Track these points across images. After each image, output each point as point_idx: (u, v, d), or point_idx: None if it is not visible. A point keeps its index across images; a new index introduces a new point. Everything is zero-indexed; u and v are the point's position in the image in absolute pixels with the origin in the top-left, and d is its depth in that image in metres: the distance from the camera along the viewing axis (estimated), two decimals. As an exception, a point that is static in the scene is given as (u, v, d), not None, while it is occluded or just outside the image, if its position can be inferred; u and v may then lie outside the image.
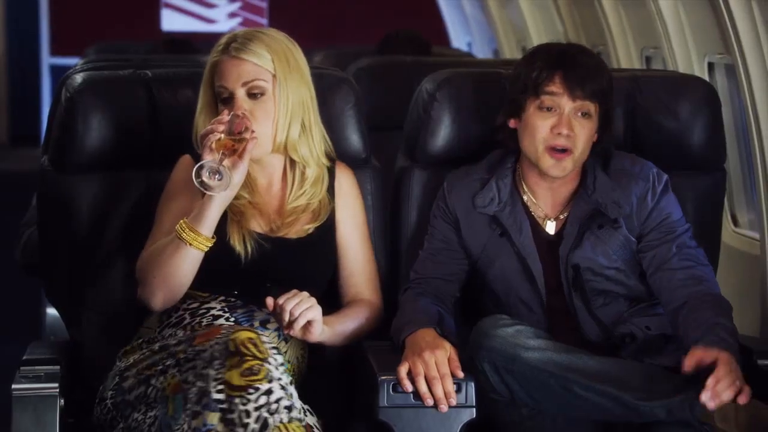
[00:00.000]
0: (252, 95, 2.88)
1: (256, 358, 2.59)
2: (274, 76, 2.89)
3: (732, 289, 3.67)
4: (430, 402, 2.71)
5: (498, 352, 2.74)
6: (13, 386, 2.76)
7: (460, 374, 2.74)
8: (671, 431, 2.71)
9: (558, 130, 2.89)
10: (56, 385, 2.78)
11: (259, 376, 2.57)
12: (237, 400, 2.55)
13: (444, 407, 2.71)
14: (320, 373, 2.99)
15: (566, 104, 2.89)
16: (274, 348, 2.66)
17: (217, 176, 2.73)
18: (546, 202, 3.00)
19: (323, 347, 2.92)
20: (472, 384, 2.76)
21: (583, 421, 2.83)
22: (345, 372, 3.06)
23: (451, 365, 2.75)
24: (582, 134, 2.90)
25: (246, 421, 2.54)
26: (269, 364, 2.60)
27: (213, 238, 2.80)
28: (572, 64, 2.90)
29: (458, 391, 2.76)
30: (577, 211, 2.96)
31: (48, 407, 2.75)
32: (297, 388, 2.88)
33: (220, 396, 2.56)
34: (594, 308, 2.94)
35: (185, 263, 2.79)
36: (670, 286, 2.89)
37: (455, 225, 3.04)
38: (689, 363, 2.64)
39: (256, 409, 2.55)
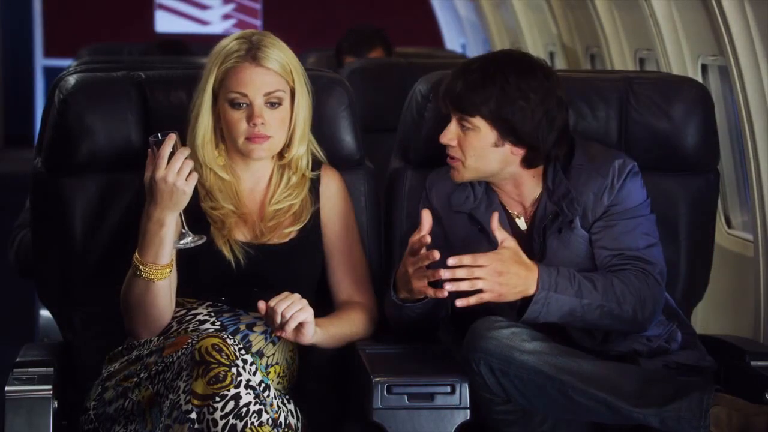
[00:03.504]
0: (270, 104, 2.89)
1: (221, 364, 2.58)
2: (292, 89, 2.91)
3: (725, 291, 3.69)
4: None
5: (493, 354, 2.74)
6: (6, 388, 2.76)
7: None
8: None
9: (441, 139, 2.94)
10: (49, 387, 2.78)
11: (225, 383, 2.57)
12: (204, 410, 2.55)
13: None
14: (313, 374, 2.99)
15: (453, 116, 2.93)
16: (241, 349, 2.66)
17: (197, 239, 2.82)
18: (511, 201, 3.01)
19: (315, 349, 2.91)
20: (467, 385, 2.76)
21: (577, 422, 2.83)
22: (338, 373, 3.06)
23: None
24: (466, 145, 2.91)
25: (214, 430, 2.54)
26: (236, 367, 2.59)
27: (172, 261, 2.79)
28: (455, 80, 2.91)
29: (452, 392, 2.76)
30: (540, 214, 2.96)
31: (41, 409, 2.75)
32: (289, 390, 2.89)
33: (189, 407, 2.56)
34: None
35: (157, 297, 2.80)
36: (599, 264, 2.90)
37: (439, 221, 3.04)
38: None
39: (223, 417, 2.55)
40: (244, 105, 2.88)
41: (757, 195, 3.57)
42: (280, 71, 2.90)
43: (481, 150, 2.91)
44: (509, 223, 2.98)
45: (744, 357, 2.94)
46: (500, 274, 2.73)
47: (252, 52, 2.88)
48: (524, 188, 2.98)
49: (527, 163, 2.94)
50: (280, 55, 2.90)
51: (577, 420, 2.81)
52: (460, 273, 2.72)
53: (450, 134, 2.93)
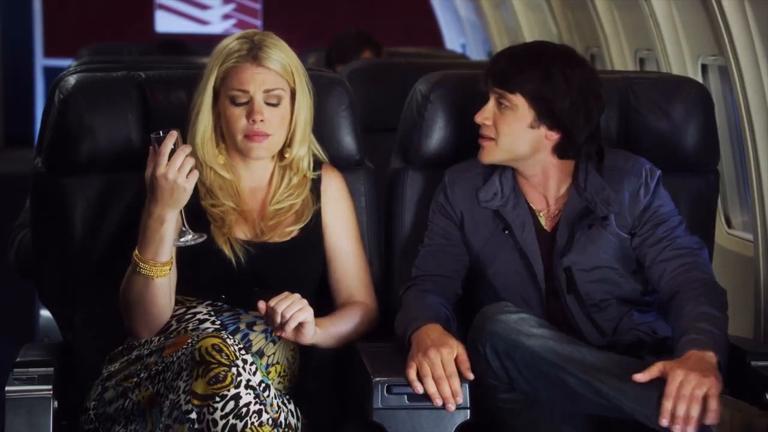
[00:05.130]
0: (269, 103, 2.89)
1: (221, 364, 2.58)
2: (292, 89, 2.92)
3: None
4: (438, 402, 2.71)
5: (500, 337, 2.75)
6: (7, 388, 2.76)
7: (470, 376, 2.74)
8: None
9: (476, 118, 2.97)
10: (49, 387, 2.78)
11: (225, 383, 2.57)
12: (204, 410, 2.55)
13: (451, 407, 2.71)
14: (313, 374, 2.99)
15: (491, 95, 2.96)
16: (241, 349, 2.65)
17: (197, 237, 2.82)
18: (536, 198, 3.02)
19: (316, 349, 2.91)
20: (467, 386, 2.75)
21: (580, 415, 2.82)
22: (338, 373, 3.06)
23: (460, 364, 2.75)
24: (502, 123, 2.94)
25: (214, 430, 2.54)
26: (236, 367, 2.59)
27: (172, 258, 2.79)
28: (499, 58, 2.97)
29: (453, 392, 2.76)
30: (569, 209, 2.98)
31: (41, 409, 2.75)
32: (290, 389, 2.89)
33: (189, 407, 2.57)
34: (592, 313, 2.94)
35: (156, 295, 2.80)
36: (664, 278, 2.92)
37: (457, 220, 3.05)
38: (645, 377, 2.64)
39: (223, 417, 2.55)
40: (245, 102, 2.88)
41: (757, 195, 3.57)
42: (281, 71, 2.90)
43: (516, 129, 2.94)
44: (533, 221, 2.99)
45: (744, 357, 2.93)
46: (693, 385, 2.60)
47: (253, 52, 2.89)
48: (551, 181, 3.00)
49: (559, 151, 2.96)
50: (281, 56, 2.90)
51: (579, 411, 2.80)
52: (680, 409, 2.57)
53: (486, 112, 2.96)
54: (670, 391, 2.59)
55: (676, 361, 2.64)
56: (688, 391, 2.58)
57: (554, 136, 2.95)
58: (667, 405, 2.58)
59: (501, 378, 2.77)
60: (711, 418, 2.58)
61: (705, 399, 2.58)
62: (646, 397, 2.67)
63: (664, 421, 2.58)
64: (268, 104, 2.89)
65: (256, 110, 2.87)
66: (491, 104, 2.96)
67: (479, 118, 2.96)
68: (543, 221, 3.01)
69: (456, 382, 2.72)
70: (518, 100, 2.92)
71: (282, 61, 2.91)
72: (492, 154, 2.97)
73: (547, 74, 2.90)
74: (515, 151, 2.96)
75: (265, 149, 2.91)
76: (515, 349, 2.74)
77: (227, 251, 2.88)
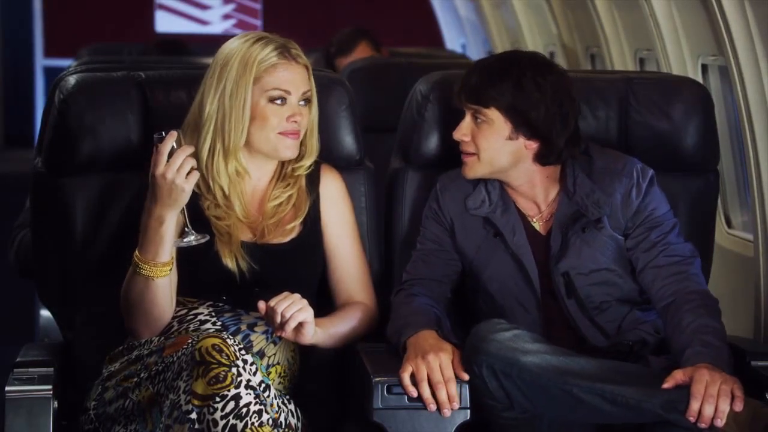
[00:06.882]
0: (302, 102, 2.92)
1: (221, 364, 2.58)
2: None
3: (725, 291, 3.68)
4: (433, 408, 2.71)
5: (496, 357, 2.73)
6: (7, 388, 2.76)
7: (465, 376, 2.74)
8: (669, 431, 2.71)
9: (455, 135, 2.98)
10: (49, 387, 2.78)
11: (225, 383, 2.57)
12: (204, 410, 2.55)
13: (447, 412, 2.71)
14: (313, 374, 2.99)
15: (467, 111, 2.97)
16: (241, 349, 2.65)
17: (200, 237, 2.82)
18: (526, 203, 3.02)
19: (316, 349, 2.91)
20: (467, 386, 2.75)
21: (580, 423, 2.82)
22: (338, 373, 3.06)
23: (455, 367, 2.75)
24: (480, 138, 2.95)
25: (214, 430, 2.54)
26: (236, 367, 2.59)
27: (172, 259, 2.79)
28: (471, 74, 2.96)
29: (452, 393, 2.76)
30: (560, 215, 2.98)
31: (41, 409, 2.75)
32: (290, 390, 2.89)
33: (189, 407, 2.57)
34: (593, 315, 2.94)
35: (157, 296, 2.80)
36: (657, 283, 2.92)
37: (448, 227, 3.05)
38: (669, 384, 2.67)
39: (223, 417, 2.55)
40: (282, 102, 2.89)
41: (757, 195, 3.57)
42: (308, 71, 2.93)
43: (494, 143, 2.94)
44: (525, 227, 2.99)
45: (744, 357, 2.93)
46: (720, 383, 2.64)
47: (288, 51, 2.90)
48: (538, 188, 3.00)
49: (540, 158, 2.96)
50: (304, 56, 2.93)
51: (583, 420, 2.80)
52: (708, 409, 2.61)
53: (464, 129, 2.97)
54: (698, 391, 2.62)
55: (695, 365, 2.68)
56: (715, 390, 2.61)
57: (533, 145, 2.95)
58: (695, 405, 2.61)
59: (499, 398, 2.76)
60: (737, 406, 2.62)
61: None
62: (650, 393, 2.67)
63: (692, 419, 2.61)
64: (301, 103, 2.91)
65: (297, 111, 2.90)
66: (468, 120, 2.96)
67: (458, 135, 2.97)
68: (537, 225, 3.01)
69: (453, 387, 2.72)
70: (493, 114, 2.93)
71: (307, 62, 2.93)
72: (474, 169, 2.98)
73: (518, 85, 2.90)
74: (497, 164, 2.96)
75: (297, 147, 2.93)
76: (512, 367, 2.72)
77: (228, 253, 2.88)
